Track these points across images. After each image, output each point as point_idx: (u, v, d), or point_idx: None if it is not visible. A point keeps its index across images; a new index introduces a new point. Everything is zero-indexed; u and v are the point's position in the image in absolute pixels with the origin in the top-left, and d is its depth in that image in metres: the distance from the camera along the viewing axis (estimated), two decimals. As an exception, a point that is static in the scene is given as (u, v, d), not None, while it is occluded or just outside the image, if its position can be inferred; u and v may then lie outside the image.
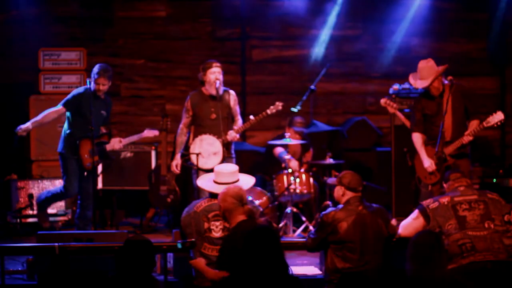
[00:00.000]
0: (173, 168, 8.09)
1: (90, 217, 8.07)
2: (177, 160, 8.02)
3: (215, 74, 7.81)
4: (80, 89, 8.19)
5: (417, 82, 7.47)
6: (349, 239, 5.61)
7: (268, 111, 8.00)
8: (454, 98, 7.35)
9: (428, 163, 7.42)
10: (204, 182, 6.06)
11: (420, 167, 7.53)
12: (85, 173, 8.04)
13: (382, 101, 8.25)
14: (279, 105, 8.04)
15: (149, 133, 8.53)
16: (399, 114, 8.27)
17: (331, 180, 5.98)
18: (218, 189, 5.73)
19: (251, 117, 7.99)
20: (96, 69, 8.05)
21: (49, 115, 8.11)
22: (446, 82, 7.42)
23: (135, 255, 4.73)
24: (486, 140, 11.05)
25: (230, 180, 5.86)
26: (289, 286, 4.59)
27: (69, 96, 8.13)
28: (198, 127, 7.92)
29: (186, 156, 7.95)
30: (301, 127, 9.18)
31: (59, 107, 8.10)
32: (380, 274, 5.66)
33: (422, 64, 7.46)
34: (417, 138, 7.55)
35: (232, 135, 7.88)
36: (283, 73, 11.02)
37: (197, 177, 7.51)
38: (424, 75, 7.41)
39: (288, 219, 8.34)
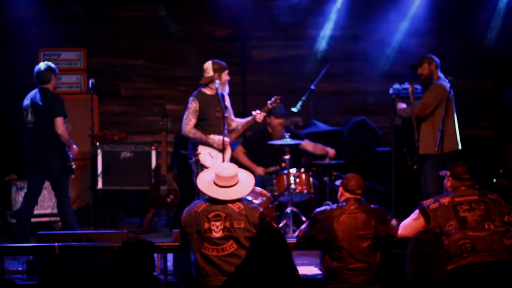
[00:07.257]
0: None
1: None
2: (219, 138, 7.87)
3: (227, 75, 8.02)
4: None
5: None
6: (335, 238, 5.69)
7: (269, 105, 8.29)
8: None
9: None
10: (204, 185, 5.90)
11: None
12: None
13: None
14: (277, 98, 8.30)
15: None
16: None
17: (339, 182, 6.08)
18: (219, 194, 5.73)
19: (253, 112, 8.17)
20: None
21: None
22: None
23: (133, 256, 4.72)
24: (486, 140, 11.05)
25: (231, 183, 5.83)
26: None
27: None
28: (205, 126, 7.92)
29: (195, 156, 7.87)
30: (280, 111, 9.12)
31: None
32: (378, 273, 5.68)
33: None
34: None
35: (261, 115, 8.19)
36: (283, 73, 11.03)
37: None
38: None
39: (288, 219, 8.33)
